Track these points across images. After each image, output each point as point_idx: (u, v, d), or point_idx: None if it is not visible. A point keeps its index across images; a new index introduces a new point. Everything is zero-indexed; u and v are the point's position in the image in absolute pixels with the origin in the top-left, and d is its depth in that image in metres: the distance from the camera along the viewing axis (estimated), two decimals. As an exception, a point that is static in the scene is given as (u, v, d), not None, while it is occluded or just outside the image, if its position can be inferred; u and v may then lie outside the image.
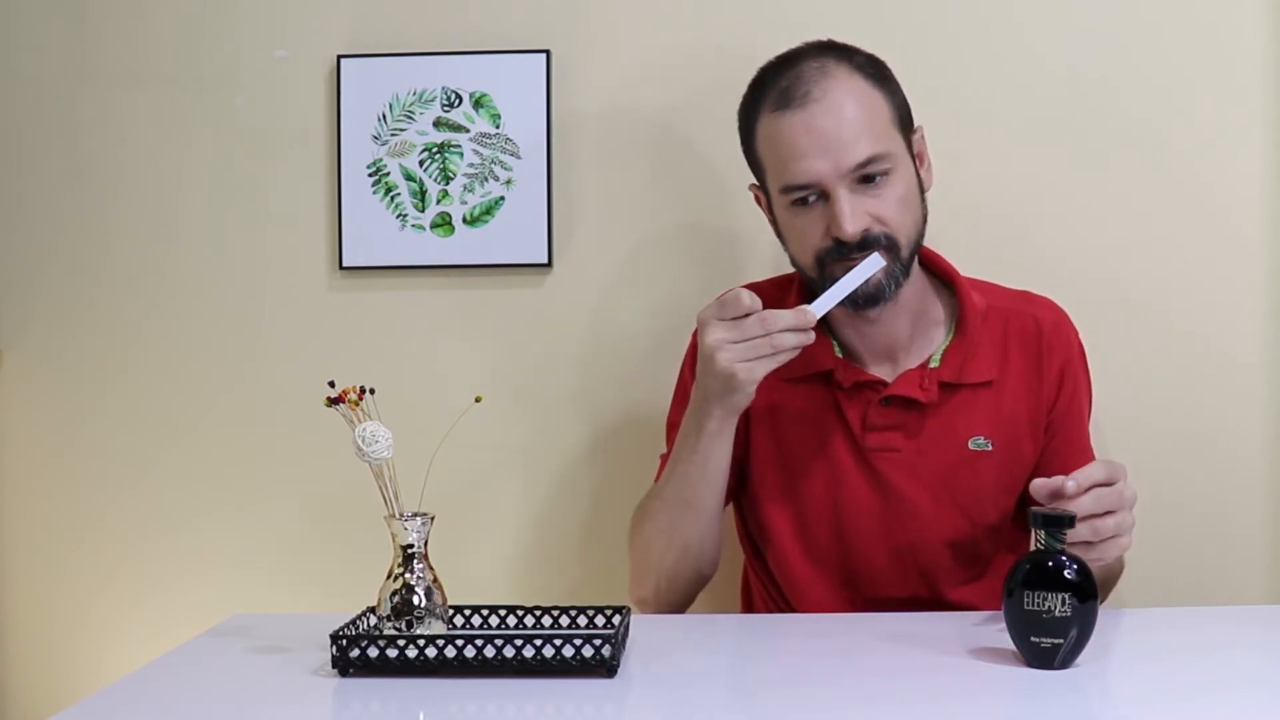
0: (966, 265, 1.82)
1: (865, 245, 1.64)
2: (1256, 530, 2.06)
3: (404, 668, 1.38)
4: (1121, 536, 1.47)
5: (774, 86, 1.68)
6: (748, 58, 2.07)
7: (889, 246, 1.66)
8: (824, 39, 1.73)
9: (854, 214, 1.63)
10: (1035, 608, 1.38)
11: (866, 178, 1.64)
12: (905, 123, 1.71)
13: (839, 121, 1.63)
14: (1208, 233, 2.04)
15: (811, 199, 1.66)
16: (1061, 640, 1.38)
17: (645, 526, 1.75)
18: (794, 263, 1.75)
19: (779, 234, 1.76)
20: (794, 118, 1.65)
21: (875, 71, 1.69)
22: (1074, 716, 1.33)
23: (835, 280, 1.65)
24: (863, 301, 1.67)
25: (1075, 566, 1.39)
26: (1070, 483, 1.44)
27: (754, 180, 1.79)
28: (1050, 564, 1.39)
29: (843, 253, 1.65)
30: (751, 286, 1.88)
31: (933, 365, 1.75)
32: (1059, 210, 2.06)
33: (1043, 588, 1.38)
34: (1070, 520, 1.40)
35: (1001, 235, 2.04)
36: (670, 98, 2.10)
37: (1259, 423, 2.05)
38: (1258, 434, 2.05)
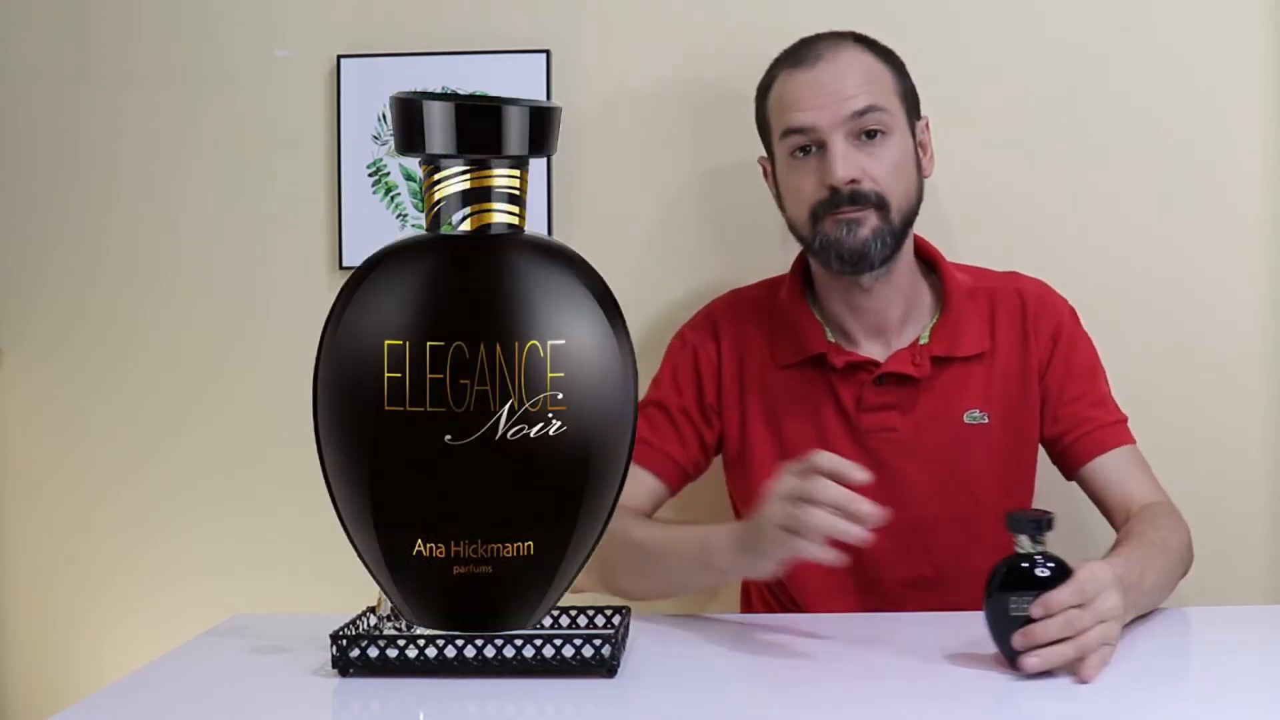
0: (963, 256, 1.83)
1: (857, 199, 1.69)
2: (1257, 530, 2.05)
3: (404, 668, 1.38)
4: (1108, 646, 1.39)
5: (790, 55, 1.77)
6: (748, 58, 2.06)
7: (879, 205, 1.70)
8: (849, 30, 1.79)
9: (847, 161, 1.69)
10: (1015, 613, 1.38)
11: (865, 132, 1.71)
12: (910, 102, 1.78)
13: (841, 77, 1.72)
14: (1210, 228, 2.04)
15: (810, 149, 1.72)
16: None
17: (608, 566, 1.68)
18: (791, 226, 1.79)
19: (779, 200, 1.81)
20: (802, 74, 1.74)
21: (887, 56, 1.77)
22: (1073, 716, 1.33)
23: (827, 238, 1.70)
24: (849, 257, 1.71)
25: (1052, 565, 1.38)
26: (1037, 608, 1.36)
27: (763, 155, 1.85)
28: (1025, 565, 1.39)
29: (836, 203, 1.70)
30: (740, 291, 1.90)
31: (922, 342, 1.77)
32: (1058, 206, 2.05)
33: (1020, 589, 1.38)
34: (1048, 523, 1.40)
35: (1000, 229, 2.04)
36: (670, 98, 2.10)
37: (1260, 422, 2.05)
38: (1259, 433, 2.05)
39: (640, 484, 1.79)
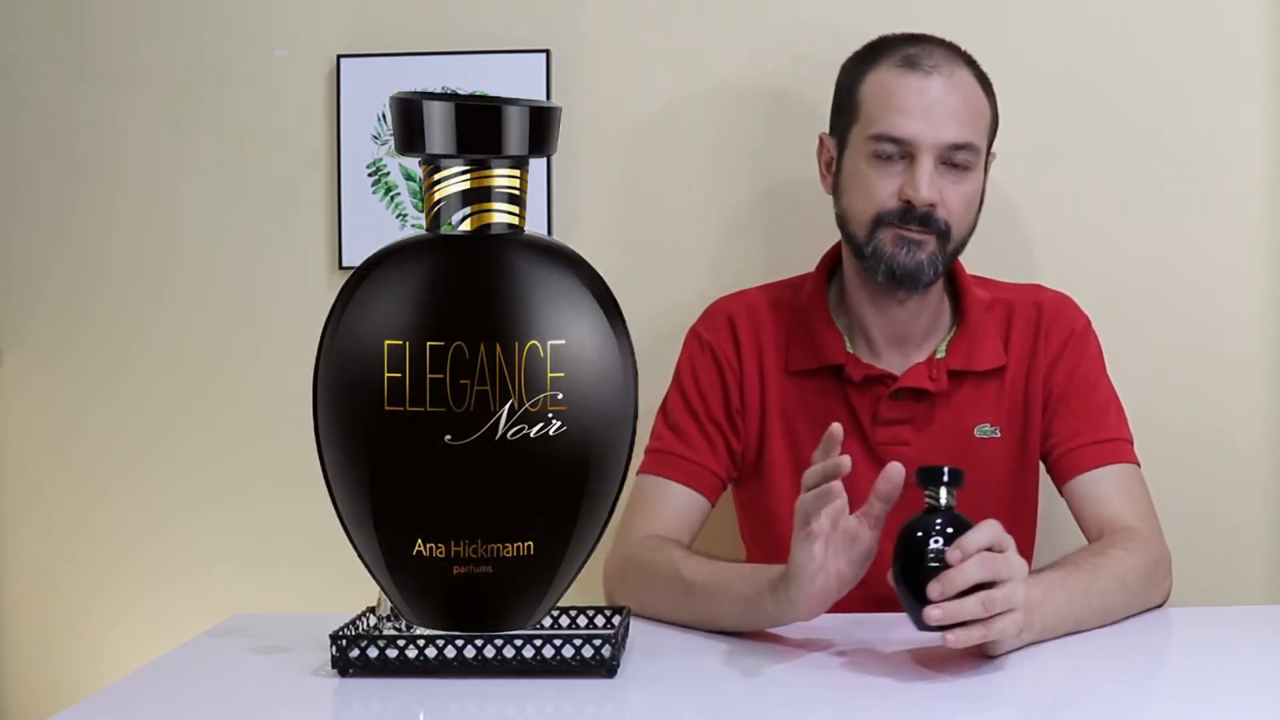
0: (963, 258, 1.83)
1: (927, 222, 1.68)
2: (1257, 530, 2.05)
3: (404, 668, 1.38)
4: (1014, 611, 1.35)
5: (901, 50, 1.73)
6: (749, 57, 2.07)
7: (942, 234, 1.70)
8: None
9: (933, 185, 1.68)
10: (932, 563, 1.34)
11: (952, 162, 1.69)
12: (992, 138, 1.77)
13: (952, 101, 1.70)
14: (1211, 228, 2.04)
15: (895, 156, 1.69)
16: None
17: (650, 598, 1.63)
18: (844, 219, 1.76)
19: (836, 188, 1.78)
20: (914, 79, 1.70)
21: (988, 86, 1.76)
22: (1073, 715, 1.33)
23: (882, 251, 1.69)
24: (900, 276, 1.70)
25: (951, 527, 1.36)
26: (955, 551, 1.33)
27: (824, 132, 1.81)
28: (919, 532, 1.36)
29: (905, 219, 1.68)
30: (752, 291, 1.89)
31: (939, 355, 1.77)
32: (1058, 206, 2.06)
33: (920, 552, 1.35)
34: (958, 478, 1.37)
35: (1000, 230, 2.04)
36: (670, 98, 2.10)
37: (1260, 422, 2.05)
38: (1259, 433, 2.05)
39: (682, 504, 1.75)
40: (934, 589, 1.33)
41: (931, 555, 1.35)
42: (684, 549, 1.68)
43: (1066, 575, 1.51)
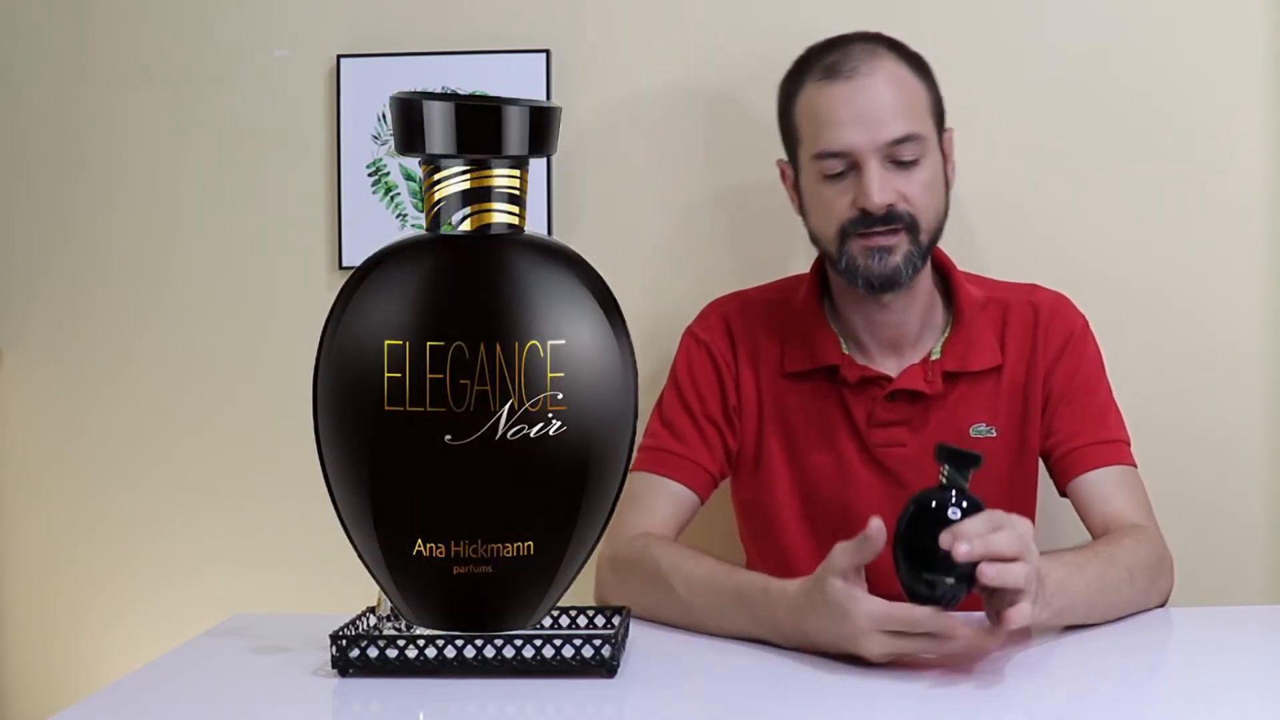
0: (963, 259, 1.83)
1: (890, 220, 1.67)
2: (1257, 530, 2.05)
3: (404, 668, 1.38)
4: (1023, 561, 1.34)
5: (820, 62, 1.72)
6: (749, 58, 2.07)
7: (910, 227, 1.69)
8: (873, 31, 1.76)
9: (882, 187, 1.67)
10: (925, 546, 1.35)
11: (899, 159, 1.68)
12: (939, 118, 1.75)
13: (880, 99, 1.68)
14: (1211, 227, 2.04)
15: (842, 170, 1.69)
16: (950, 578, 1.34)
17: (645, 596, 1.63)
18: (815, 239, 1.76)
19: (802, 209, 1.78)
20: (837, 89, 1.69)
21: (919, 65, 1.74)
22: (1073, 715, 1.33)
23: (854, 262, 1.69)
24: (879, 284, 1.69)
25: (966, 503, 1.36)
26: (945, 538, 1.33)
27: (783, 158, 1.81)
28: (934, 504, 1.36)
29: (867, 224, 1.68)
30: (748, 292, 1.89)
31: (934, 357, 1.76)
32: (1059, 206, 2.05)
33: (933, 524, 1.35)
34: (977, 459, 1.37)
35: (1000, 230, 2.05)
36: (670, 97, 2.10)
37: (1260, 421, 2.05)
38: (1259, 433, 2.05)
39: (674, 501, 1.75)
40: (944, 539, 1.32)
41: (932, 526, 1.34)
42: (677, 549, 1.67)
43: (1085, 561, 1.52)
